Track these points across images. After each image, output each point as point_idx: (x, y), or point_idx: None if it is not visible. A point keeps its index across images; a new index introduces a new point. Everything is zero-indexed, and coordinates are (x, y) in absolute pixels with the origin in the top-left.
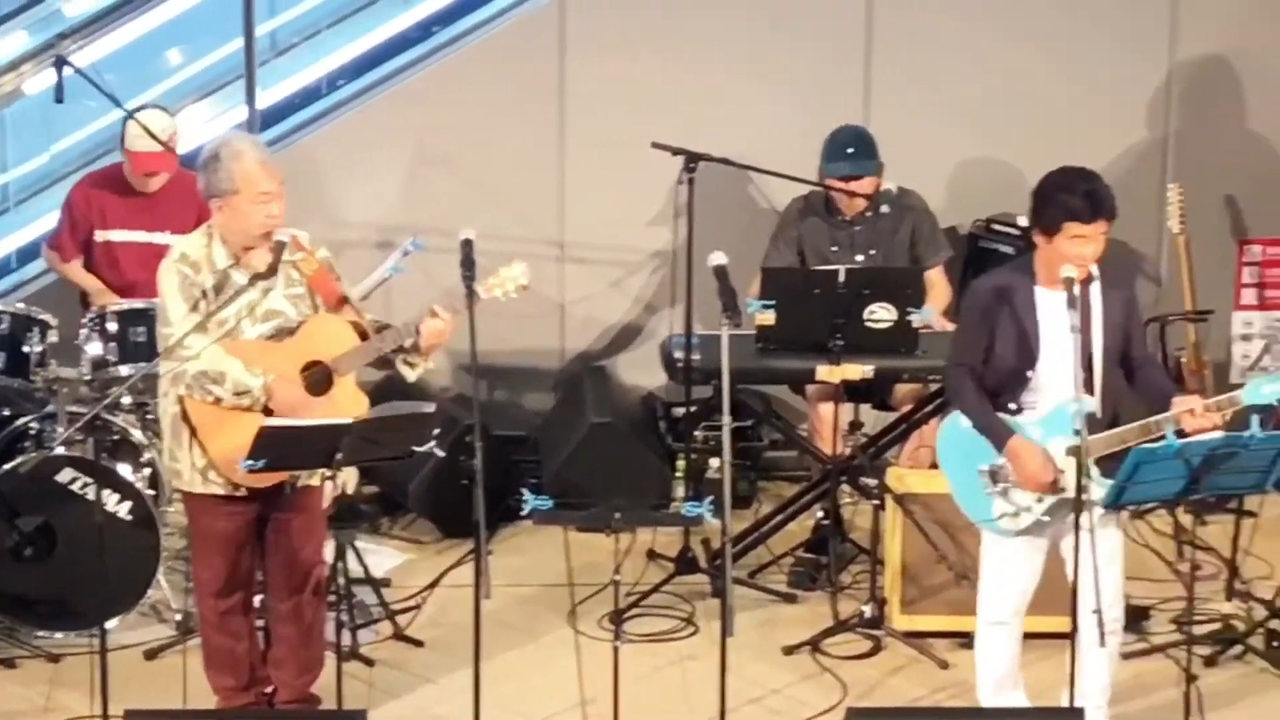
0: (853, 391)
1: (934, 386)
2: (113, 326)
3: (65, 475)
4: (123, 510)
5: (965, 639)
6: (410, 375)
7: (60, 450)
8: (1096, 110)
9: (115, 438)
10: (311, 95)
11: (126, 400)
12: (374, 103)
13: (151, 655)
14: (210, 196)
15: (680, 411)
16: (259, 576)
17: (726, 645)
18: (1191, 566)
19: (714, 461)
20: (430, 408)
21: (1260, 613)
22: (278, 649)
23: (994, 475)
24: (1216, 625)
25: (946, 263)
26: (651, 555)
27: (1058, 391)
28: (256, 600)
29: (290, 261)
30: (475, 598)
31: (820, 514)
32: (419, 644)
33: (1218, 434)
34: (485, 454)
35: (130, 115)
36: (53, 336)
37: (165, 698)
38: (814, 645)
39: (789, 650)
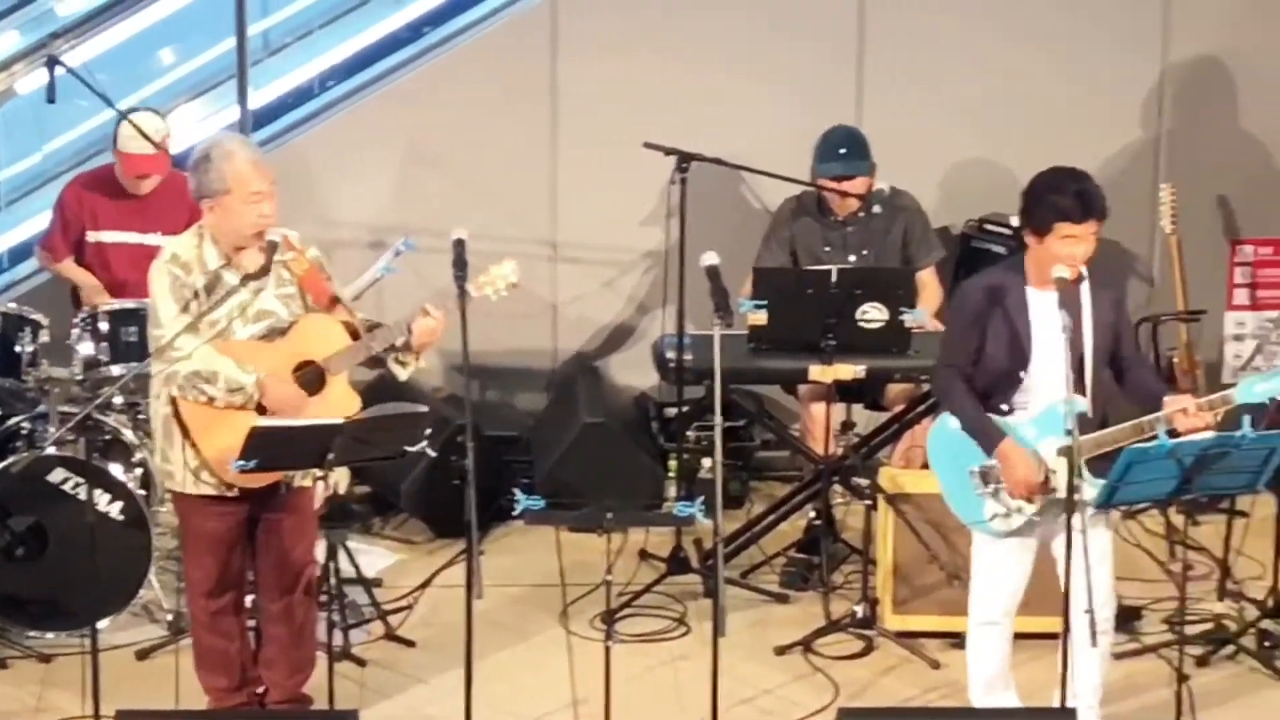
0: (845, 391)
1: (926, 386)
2: (104, 326)
3: (57, 475)
4: (114, 510)
5: (957, 639)
6: (402, 374)
7: (52, 450)
8: (1089, 110)
9: (107, 438)
10: (304, 95)
11: (118, 400)
12: (366, 103)
13: (143, 655)
14: (201, 197)
15: (672, 411)
16: (250, 576)
17: (718, 645)
18: (1183, 567)
19: (706, 461)
20: (422, 408)
21: (1252, 613)
22: (269, 649)
23: (985, 476)
24: (1208, 625)
25: (939, 263)
26: (644, 555)
27: (1049, 392)
28: (248, 600)
29: (281, 261)
30: (467, 598)
31: (812, 514)
32: (411, 644)
33: (1210, 434)
34: (477, 454)
35: (124, 116)
36: (44, 336)
37: (157, 698)
38: (806, 645)
39: (781, 650)
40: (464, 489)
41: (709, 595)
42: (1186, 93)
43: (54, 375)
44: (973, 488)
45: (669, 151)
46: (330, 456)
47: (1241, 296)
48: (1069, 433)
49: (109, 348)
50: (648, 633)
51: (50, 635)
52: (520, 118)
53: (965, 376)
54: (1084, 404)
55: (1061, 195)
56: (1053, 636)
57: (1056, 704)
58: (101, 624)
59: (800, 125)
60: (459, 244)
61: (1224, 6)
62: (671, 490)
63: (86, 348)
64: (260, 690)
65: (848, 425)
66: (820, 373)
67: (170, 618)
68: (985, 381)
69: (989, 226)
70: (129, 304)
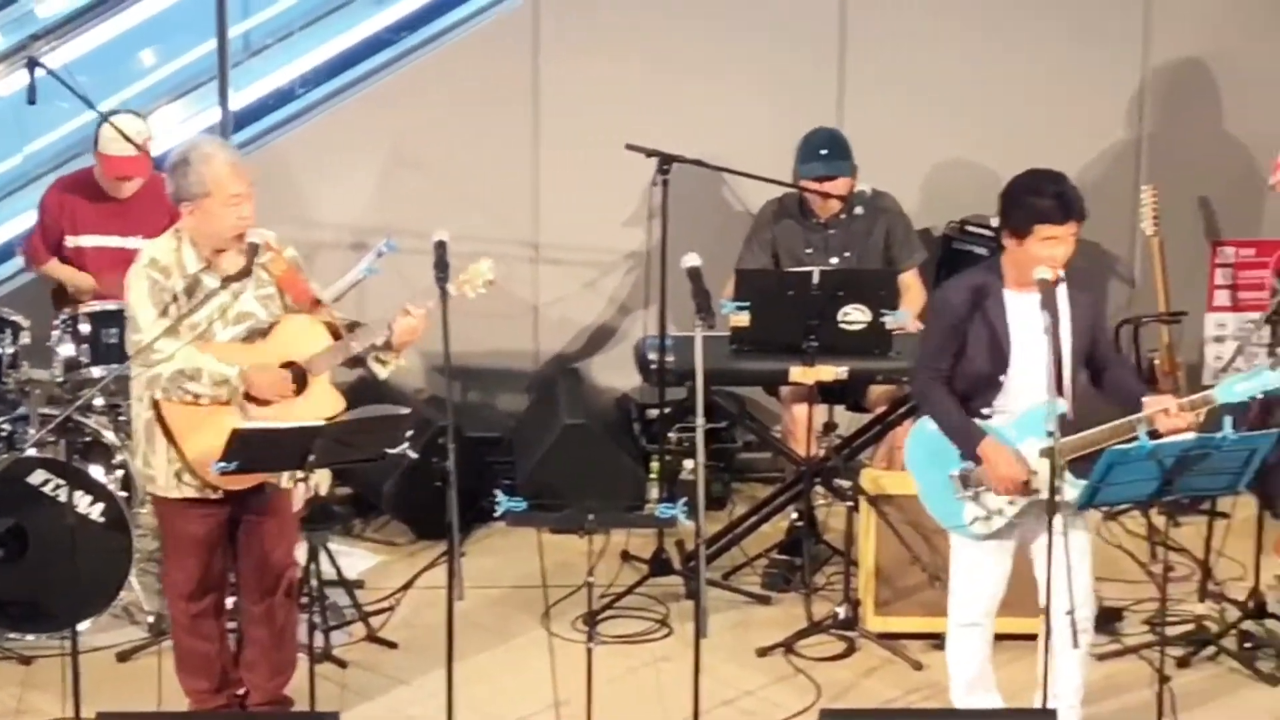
0: (827, 393)
1: (908, 388)
2: (85, 328)
3: (37, 477)
4: (95, 512)
5: (939, 640)
6: (382, 373)
7: (32, 452)
8: (1071, 112)
9: (87, 439)
10: (285, 97)
11: (99, 402)
12: (347, 104)
13: (124, 657)
14: (180, 200)
15: (654, 413)
16: (231, 579)
17: (700, 647)
18: (1164, 568)
19: (688, 463)
20: (404, 411)
21: (1233, 614)
22: (250, 651)
23: (965, 480)
24: (1189, 626)
25: (921, 265)
26: (625, 557)
27: (1028, 395)
28: (229, 603)
29: (259, 263)
30: (448, 599)
31: (794, 515)
32: (392, 646)
33: (1191, 435)
34: (459, 455)
35: (105, 118)
36: (25, 338)
37: (138, 700)
38: (788, 647)
39: (763, 652)
40: (445, 490)
41: (691, 597)
42: (1168, 95)
43: (34, 377)
44: (952, 492)
45: (651, 153)
46: (311, 458)
47: (1222, 298)
48: (1050, 434)
49: (90, 349)
50: (629, 634)
51: (30, 637)
52: (502, 119)
53: (945, 379)
54: (1065, 405)
55: (1041, 197)
56: (1032, 638)
57: (1038, 705)
58: (82, 626)
59: (782, 127)
60: (440, 245)
61: (1206, 9)
62: (653, 492)
63: (67, 349)
64: (241, 692)
65: (830, 427)
66: (802, 374)
67: (151, 620)
68: (965, 385)
69: (970, 228)
70: (110, 306)
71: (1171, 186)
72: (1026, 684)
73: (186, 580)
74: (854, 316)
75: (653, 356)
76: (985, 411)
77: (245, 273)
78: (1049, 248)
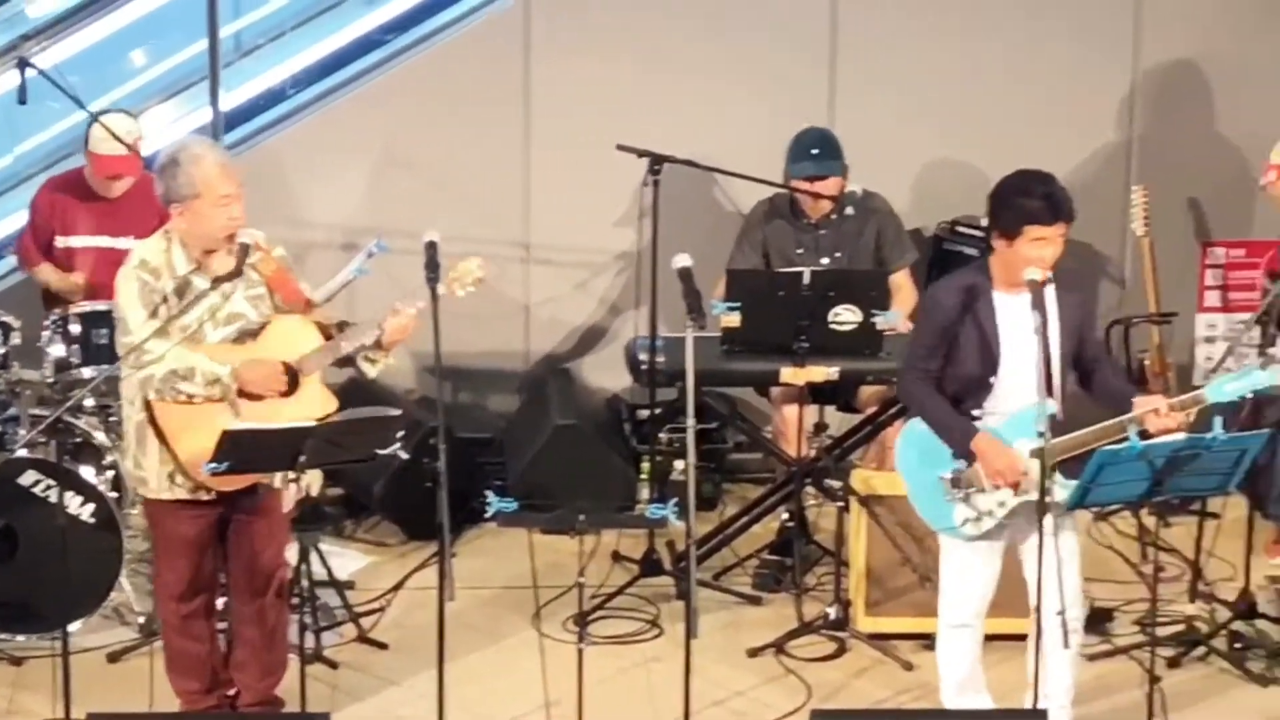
0: (817, 393)
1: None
2: (75, 329)
3: (28, 478)
4: (85, 513)
5: (930, 641)
6: (370, 371)
7: (22, 452)
8: (1062, 113)
9: (78, 440)
10: (276, 97)
11: (89, 403)
12: (338, 104)
13: (115, 658)
14: (170, 202)
15: (645, 413)
16: (222, 579)
17: (691, 647)
18: (1155, 568)
19: (679, 464)
20: (395, 412)
21: (1223, 614)
22: (241, 652)
23: (955, 481)
24: (1180, 627)
25: (912, 265)
26: (616, 557)
27: (1017, 396)
28: (219, 603)
29: (249, 263)
30: (439, 600)
31: (785, 516)
32: (383, 646)
33: (1181, 435)
34: (449, 456)
35: (95, 118)
36: (15, 338)
37: (128, 701)
38: (778, 647)
39: (753, 652)
40: (436, 491)
41: (681, 597)
42: (1158, 96)
43: (25, 377)
44: (942, 494)
45: (642, 153)
46: (302, 459)
47: (1213, 299)
48: (1041, 435)
49: (80, 350)
50: (620, 635)
51: (21, 638)
52: (493, 120)
53: (934, 381)
54: (1055, 407)
55: (1029, 198)
56: (1023, 638)
57: (1028, 705)
58: (73, 626)
59: (773, 128)
60: (431, 246)
61: (1196, 10)
62: (644, 492)
63: (57, 350)
64: (232, 693)
65: (820, 427)
66: (793, 375)
67: (142, 620)
68: (955, 387)
69: (961, 229)
70: (100, 306)
71: (1162, 187)
72: (1017, 684)
73: (177, 581)
74: (845, 317)
75: (643, 357)
76: (975, 413)
77: (235, 273)
78: (1038, 249)
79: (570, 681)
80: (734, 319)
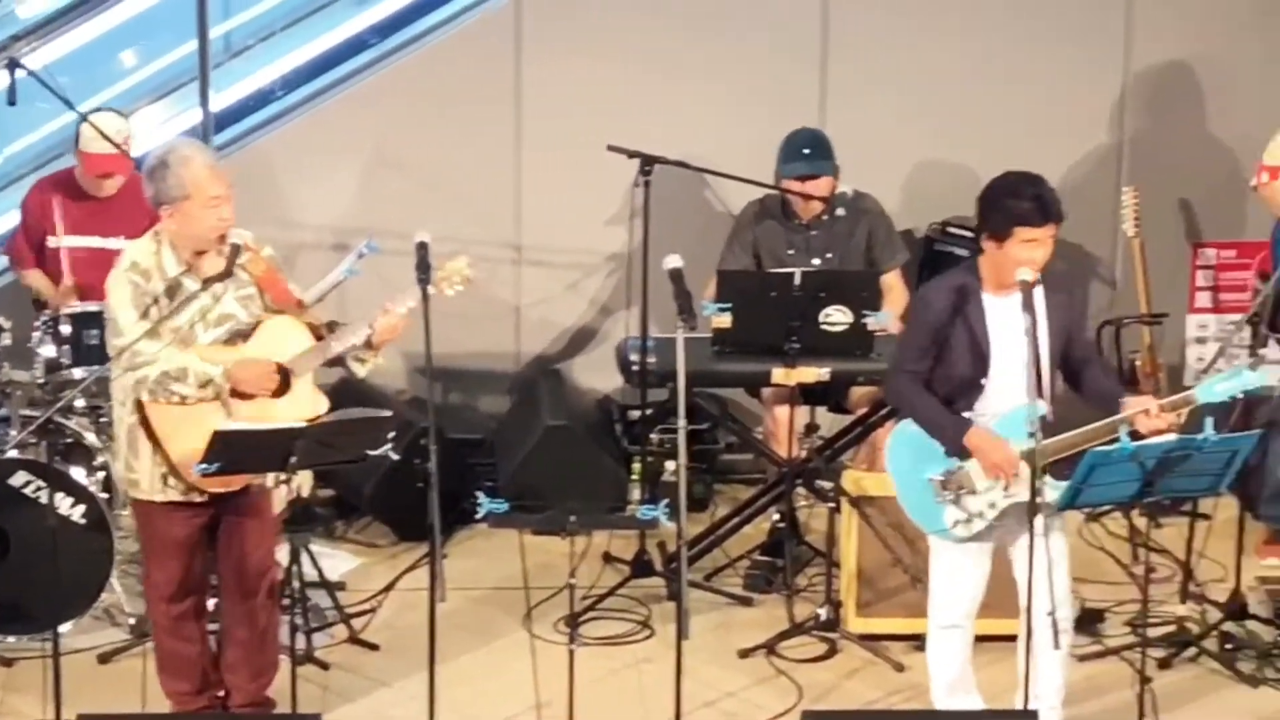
0: (808, 394)
1: None
2: (66, 329)
3: (18, 479)
4: (76, 514)
5: (921, 641)
6: (360, 371)
7: (13, 453)
8: (1053, 114)
9: (68, 441)
10: (266, 98)
11: (80, 404)
12: (329, 105)
13: (105, 659)
14: (160, 204)
15: (636, 414)
16: (212, 580)
17: (682, 648)
18: (1146, 569)
19: (670, 464)
20: (386, 413)
21: (1214, 615)
22: (232, 653)
23: (945, 483)
24: (1171, 628)
25: (903, 266)
26: (607, 558)
27: (1008, 398)
28: (210, 604)
29: (239, 264)
30: (430, 601)
31: (776, 517)
32: (374, 647)
33: (1172, 436)
34: (440, 457)
35: (84, 118)
36: (6, 339)
37: (119, 702)
38: (769, 648)
39: (744, 653)
40: (427, 492)
41: (673, 598)
42: (1150, 97)
43: (15, 378)
44: (932, 496)
45: (633, 154)
46: (293, 460)
47: (1204, 299)
48: (1031, 435)
49: (71, 351)
50: (611, 636)
51: (11, 639)
52: (484, 120)
53: (923, 383)
54: (1045, 407)
55: (1019, 200)
56: (1013, 639)
57: (1019, 706)
58: (63, 627)
59: (764, 128)
60: (422, 246)
61: (1187, 11)
62: (635, 493)
63: (48, 351)
64: (223, 694)
65: (811, 428)
66: (784, 375)
67: (132, 621)
68: (946, 389)
69: (952, 230)
70: (91, 307)
71: (1153, 188)
72: (1007, 685)
73: (167, 582)
74: (836, 318)
75: (634, 358)
76: (966, 415)
77: (226, 274)
78: (1028, 250)
79: (561, 682)
80: (725, 320)
